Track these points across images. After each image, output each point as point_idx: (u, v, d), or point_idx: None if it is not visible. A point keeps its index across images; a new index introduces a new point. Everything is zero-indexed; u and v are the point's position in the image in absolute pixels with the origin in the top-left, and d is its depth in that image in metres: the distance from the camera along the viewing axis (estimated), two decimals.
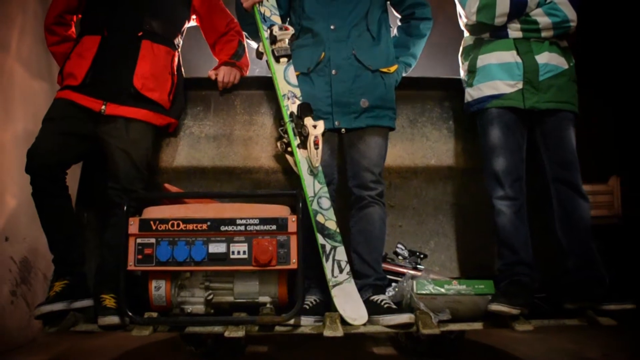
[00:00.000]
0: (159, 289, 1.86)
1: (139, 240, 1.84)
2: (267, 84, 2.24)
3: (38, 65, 3.34)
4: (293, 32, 2.00)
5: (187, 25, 2.26)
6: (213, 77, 2.27)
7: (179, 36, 2.21)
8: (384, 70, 2.06)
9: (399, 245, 2.27)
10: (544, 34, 2.09)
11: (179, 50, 2.22)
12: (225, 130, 2.34)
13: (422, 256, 2.26)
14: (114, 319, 1.85)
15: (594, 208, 6.31)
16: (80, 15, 2.24)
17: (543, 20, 2.07)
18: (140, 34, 2.06)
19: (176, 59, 2.18)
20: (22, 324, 3.07)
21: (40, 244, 2.96)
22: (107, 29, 2.05)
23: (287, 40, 1.96)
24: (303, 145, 1.91)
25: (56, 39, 2.23)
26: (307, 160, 1.92)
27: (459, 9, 2.17)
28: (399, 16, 2.28)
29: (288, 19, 2.20)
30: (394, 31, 2.28)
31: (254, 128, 2.34)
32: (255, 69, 3.13)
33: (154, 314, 1.86)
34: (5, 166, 2.93)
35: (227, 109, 2.35)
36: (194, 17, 2.29)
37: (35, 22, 3.33)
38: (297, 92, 1.99)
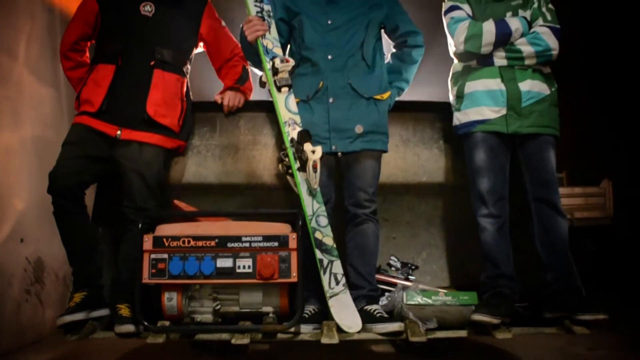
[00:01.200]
0: (171, 300, 2.03)
1: (152, 256, 2.01)
2: (269, 107, 2.39)
3: (45, 72, 3.50)
4: (294, 63, 2.16)
5: (195, 52, 2.43)
6: (219, 101, 2.43)
7: (188, 63, 2.37)
8: (378, 97, 2.22)
9: (392, 258, 2.44)
10: (527, 62, 2.24)
11: (188, 76, 2.38)
12: (230, 149, 2.50)
13: (413, 267, 2.43)
14: (130, 327, 2.03)
15: (588, 209, 6.48)
16: (93, 41, 2.40)
17: (526, 49, 2.23)
18: (152, 63, 2.22)
19: (185, 85, 2.34)
20: (36, 321, 3.27)
21: (52, 245, 3.13)
22: (121, 58, 2.21)
23: (288, 72, 2.12)
24: (302, 168, 2.07)
25: (72, 64, 2.38)
26: (306, 182, 2.09)
27: (448, 38, 2.33)
28: (393, 43, 2.43)
29: (289, 47, 2.36)
30: (388, 57, 2.44)
31: (257, 147, 2.50)
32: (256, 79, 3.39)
33: (167, 323, 2.04)
34: (13, 170, 3.10)
35: (232, 130, 2.51)
36: (201, 44, 2.45)
37: (42, 30, 3.49)
38: (297, 119, 2.15)
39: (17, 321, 3.05)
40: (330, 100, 2.17)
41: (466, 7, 2.32)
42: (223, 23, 2.49)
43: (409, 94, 2.49)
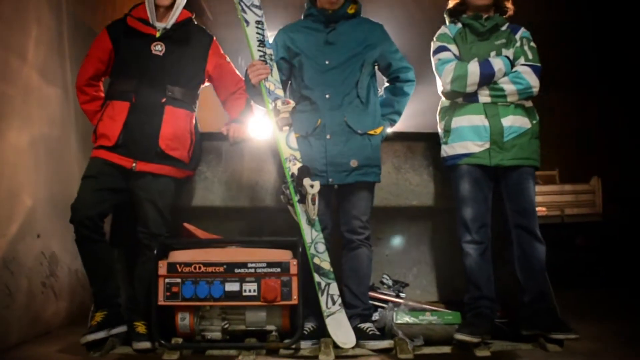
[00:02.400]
0: (184, 319, 2.26)
1: (167, 280, 2.23)
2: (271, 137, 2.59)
3: (52, 73, 3.71)
4: (294, 105, 2.34)
5: (202, 87, 2.61)
6: (225, 133, 2.61)
7: (196, 98, 2.56)
8: (371, 132, 2.41)
9: (384, 276, 2.66)
10: (509, 99, 2.42)
11: (196, 110, 2.57)
12: (235, 175, 2.68)
13: (403, 285, 2.65)
14: (147, 344, 2.25)
15: (577, 206, 6.85)
16: (107, 76, 2.57)
17: (509, 87, 2.41)
18: (163, 100, 2.40)
19: (194, 119, 2.52)
20: (50, 313, 3.56)
21: (65, 240, 3.39)
22: (135, 96, 2.39)
23: (288, 112, 2.31)
24: (302, 200, 2.27)
25: (87, 98, 2.55)
26: (305, 212, 2.29)
27: (437, 77, 2.51)
28: (386, 78, 2.62)
29: (289, 83, 2.55)
30: (381, 90, 2.62)
31: (260, 174, 2.68)
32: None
33: (180, 340, 2.26)
34: (23, 168, 3.32)
35: (237, 158, 2.68)
36: (207, 78, 2.63)
37: (49, 33, 3.70)
38: (298, 154, 2.34)
39: (33, 312, 3.33)
40: (328, 136, 2.36)
41: (453, 48, 2.50)
42: (227, 58, 2.66)
43: (401, 124, 2.68)
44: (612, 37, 6.90)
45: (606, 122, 8.25)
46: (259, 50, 2.36)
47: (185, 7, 2.55)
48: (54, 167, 3.67)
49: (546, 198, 6.01)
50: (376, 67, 2.57)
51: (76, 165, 4.02)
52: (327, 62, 2.42)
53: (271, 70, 2.37)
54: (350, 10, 2.51)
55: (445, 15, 2.65)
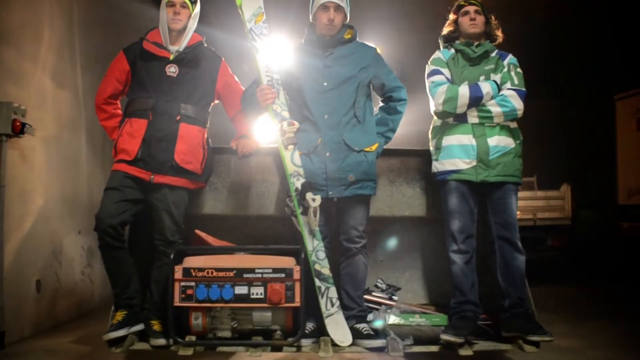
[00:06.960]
0: (197, 319, 2.49)
1: (182, 284, 2.46)
2: (276, 151, 2.80)
3: (64, 77, 3.98)
4: (299, 126, 2.56)
5: (212, 104, 2.82)
6: (234, 148, 2.84)
7: (208, 116, 2.77)
8: (367, 149, 2.62)
9: (379, 280, 2.90)
10: (496, 120, 2.64)
11: (208, 126, 2.78)
12: (243, 186, 2.91)
13: (396, 288, 2.89)
14: (163, 341, 2.49)
15: (549, 210, 7.43)
16: (124, 95, 2.78)
17: (495, 109, 2.63)
18: (178, 118, 2.62)
19: (206, 135, 2.74)
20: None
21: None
22: (152, 114, 2.60)
23: (293, 133, 2.53)
24: (305, 213, 2.50)
25: (106, 115, 2.76)
26: (307, 223, 2.52)
27: (429, 98, 2.73)
28: (381, 98, 2.83)
29: (289, 103, 2.75)
30: (376, 109, 2.84)
31: (265, 185, 2.91)
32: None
33: (193, 337, 2.49)
34: (35, 168, 3.61)
35: (245, 170, 2.91)
36: (217, 97, 2.84)
37: (61, 39, 3.95)
38: (301, 171, 2.56)
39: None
40: (327, 154, 2.57)
41: (445, 71, 2.72)
42: (236, 78, 2.87)
43: (395, 141, 2.91)
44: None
45: (580, 129, 8.64)
46: (267, 75, 2.58)
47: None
48: (67, 169, 3.99)
49: (520, 203, 6.33)
50: (371, 87, 2.78)
51: (86, 166, 4.30)
52: (325, 84, 2.62)
53: (278, 94, 2.59)
54: (347, 36, 2.72)
55: (439, 41, 2.87)
